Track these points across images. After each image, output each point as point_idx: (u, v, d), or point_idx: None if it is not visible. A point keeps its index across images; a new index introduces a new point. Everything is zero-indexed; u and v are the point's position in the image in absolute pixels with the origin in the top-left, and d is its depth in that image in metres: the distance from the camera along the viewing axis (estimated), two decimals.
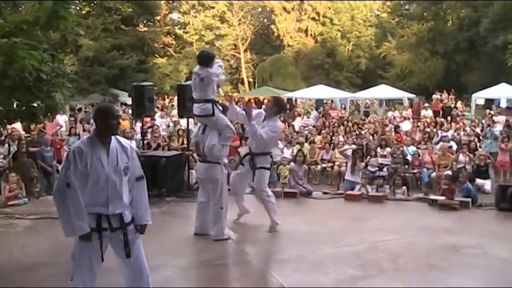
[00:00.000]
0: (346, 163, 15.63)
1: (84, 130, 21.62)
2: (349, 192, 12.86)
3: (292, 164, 14.30)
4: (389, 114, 28.70)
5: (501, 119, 24.35)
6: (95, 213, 5.16)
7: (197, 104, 8.99)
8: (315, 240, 9.01)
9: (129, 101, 31.61)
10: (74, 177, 5.00)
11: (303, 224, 10.18)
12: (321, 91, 35.48)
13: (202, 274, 7.67)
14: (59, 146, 16.87)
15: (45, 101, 9.88)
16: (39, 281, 6.43)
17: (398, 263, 7.97)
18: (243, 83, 56.24)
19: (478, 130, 20.80)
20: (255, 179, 9.53)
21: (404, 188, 13.24)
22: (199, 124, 9.51)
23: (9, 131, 18.09)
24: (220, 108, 9.14)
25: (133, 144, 5.73)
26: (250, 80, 58.50)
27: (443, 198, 11.65)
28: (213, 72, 8.91)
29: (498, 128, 20.40)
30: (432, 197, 11.96)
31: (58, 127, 21.75)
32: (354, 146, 16.50)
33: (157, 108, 28.17)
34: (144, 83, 13.84)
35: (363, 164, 15.54)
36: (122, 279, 5.53)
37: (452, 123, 23.43)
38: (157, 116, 23.52)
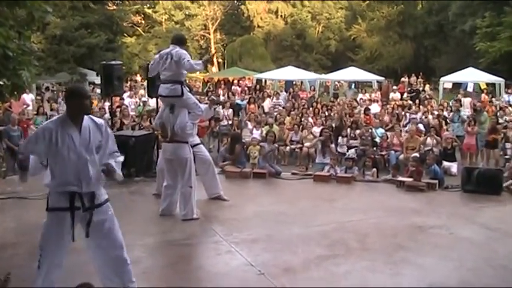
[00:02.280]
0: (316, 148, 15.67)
1: (52, 109, 21.36)
2: (317, 173, 12.93)
3: (263, 143, 14.32)
4: (360, 96, 28.82)
5: (468, 102, 24.70)
6: (68, 192, 5.14)
7: (165, 85, 8.94)
8: (284, 220, 9.09)
9: (97, 80, 31.36)
10: (35, 152, 5.12)
11: (272, 204, 10.23)
12: (291, 72, 35.48)
13: (171, 253, 7.64)
14: (26, 125, 16.64)
15: (12, 79, 9.72)
16: (6, 260, 6.36)
17: (366, 243, 8.07)
18: (212, 63, 55.98)
19: (445, 113, 21.00)
20: None
21: (374, 169, 13.39)
22: (163, 105, 9.44)
23: None
24: (187, 88, 9.15)
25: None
26: (220, 60, 58.29)
27: (410, 180, 11.80)
28: (186, 54, 8.91)
29: (465, 112, 20.66)
30: (400, 178, 12.10)
31: (25, 106, 21.44)
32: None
33: (126, 87, 27.92)
34: (113, 62, 13.68)
35: (333, 146, 15.63)
36: (91, 258, 5.50)
37: (421, 106, 23.63)
38: (126, 95, 23.30)
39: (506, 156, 16.34)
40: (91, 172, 5.19)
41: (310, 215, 9.50)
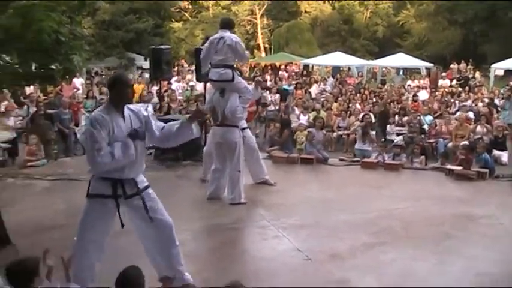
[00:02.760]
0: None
1: (101, 93, 21.63)
2: (365, 160, 12.82)
3: (310, 128, 14.29)
4: (408, 83, 28.43)
5: None
6: (111, 179, 5.22)
7: (216, 69, 8.97)
8: (331, 206, 9.10)
9: (145, 65, 31.69)
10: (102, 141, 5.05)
11: (319, 190, 10.25)
12: (338, 58, 35.22)
13: (217, 237, 7.75)
14: (76, 109, 16.93)
15: (63, 64, 9.90)
16: (55, 241, 6.50)
17: (412, 231, 8.02)
18: (259, 48, 55.79)
19: (496, 101, 20.57)
20: None
21: (422, 157, 13.17)
22: (214, 89, 9.48)
23: (28, 93, 18.21)
24: (238, 72, 9.18)
25: (150, 107, 5.75)
26: (266, 46, 58.08)
27: (460, 168, 11.62)
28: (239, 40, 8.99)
29: None
30: (449, 166, 11.92)
31: (75, 90, 21.79)
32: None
33: (174, 72, 28.11)
34: (163, 46, 13.77)
35: (374, 133, 15.48)
36: (140, 240, 5.60)
37: (470, 94, 23.20)
38: (173, 80, 23.47)
39: None
40: (134, 159, 5.26)
41: (357, 201, 9.48)
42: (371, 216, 8.59)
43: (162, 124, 5.50)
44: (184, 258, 5.71)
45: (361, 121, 15.85)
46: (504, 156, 14.80)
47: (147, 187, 5.45)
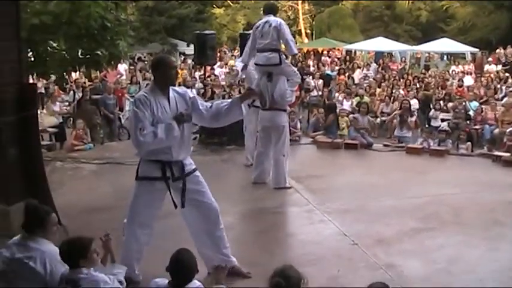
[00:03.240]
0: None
1: (144, 79, 21.85)
2: (410, 145, 12.68)
3: (356, 114, 14.22)
4: (452, 68, 27.99)
5: None
6: (159, 161, 5.24)
7: (263, 53, 8.93)
8: (375, 191, 9.01)
9: (187, 51, 31.79)
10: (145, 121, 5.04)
11: (363, 175, 10.17)
12: (381, 43, 34.77)
13: (263, 221, 7.75)
14: (120, 94, 17.14)
15: (109, 49, 10.02)
16: (102, 222, 6.60)
17: (460, 217, 7.92)
18: (300, 34, 55.37)
19: None
20: None
21: (468, 143, 12.98)
22: (259, 73, 9.41)
23: (74, 79, 18.48)
24: (284, 56, 9.15)
25: (194, 92, 5.89)
26: (308, 31, 57.73)
27: (508, 154, 11.41)
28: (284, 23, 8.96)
29: None
30: (496, 153, 11.73)
31: (119, 75, 22.06)
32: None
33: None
34: (207, 32, 13.78)
35: (413, 119, 15.30)
36: (186, 223, 5.66)
37: None
38: (216, 65, 23.54)
39: None
40: (182, 140, 5.26)
41: (403, 187, 9.38)
42: (418, 202, 8.50)
43: (208, 104, 5.52)
44: (230, 241, 5.73)
45: (400, 108, 15.68)
46: None
47: (194, 170, 5.48)
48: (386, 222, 7.60)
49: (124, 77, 22.79)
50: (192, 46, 22.66)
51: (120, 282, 4.54)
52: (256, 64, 9.30)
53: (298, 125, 13.95)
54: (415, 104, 17.63)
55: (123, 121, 15.64)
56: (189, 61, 27.62)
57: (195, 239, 5.61)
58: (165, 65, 5.34)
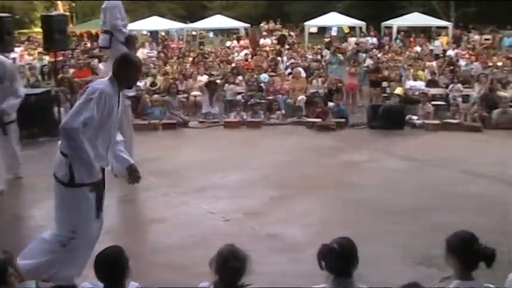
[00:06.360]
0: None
1: None
2: (227, 119, 12.92)
3: (166, 96, 14.13)
4: (228, 43, 28.83)
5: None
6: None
7: None
8: (221, 167, 9.05)
9: None
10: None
11: (196, 154, 10.11)
12: (156, 23, 34.49)
13: (124, 210, 7.53)
14: None
15: None
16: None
17: (309, 181, 8.28)
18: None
19: (318, 57, 21.61)
20: None
21: (278, 112, 13.56)
22: None
23: None
24: None
25: None
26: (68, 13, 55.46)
27: (320, 120, 12.14)
28: None
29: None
30: (309, 119, 12.40)
31: None
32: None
33: None
34: None
35: (223, 93, 15.63)
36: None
37: (291, 51, 24.02)
38: None
39: (385, 94, 17.11)
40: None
41: (241, 160, 9.58)
42: (263, 172, 8.74)
43: None
44: (104, 234, 5.13)
45: (206, 86, 15.77)
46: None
47: None
48: (245, 194, 7.70)
49: None
50: None
51: None
52: None
53: None
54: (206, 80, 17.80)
55: None
56: None
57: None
58: (134, 65, 4.81)
